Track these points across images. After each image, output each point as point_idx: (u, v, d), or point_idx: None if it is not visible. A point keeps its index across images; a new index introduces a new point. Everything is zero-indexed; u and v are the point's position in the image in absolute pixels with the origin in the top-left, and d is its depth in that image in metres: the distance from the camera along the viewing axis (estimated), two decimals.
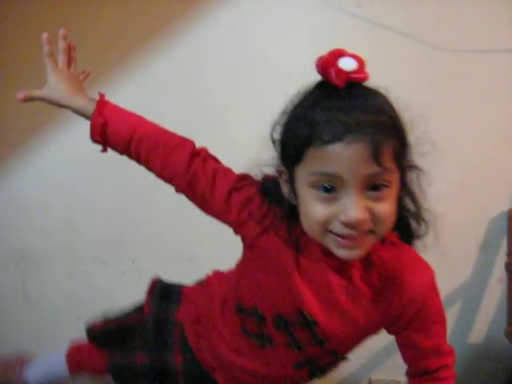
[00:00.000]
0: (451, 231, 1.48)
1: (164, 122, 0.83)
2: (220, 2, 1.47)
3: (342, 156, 0.60)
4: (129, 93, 1.44)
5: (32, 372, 1.11)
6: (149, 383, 0.91)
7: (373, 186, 0.62)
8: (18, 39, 1.52)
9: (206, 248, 1.52)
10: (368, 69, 0.65)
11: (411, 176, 0.70)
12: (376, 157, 0.60)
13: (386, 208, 0.63)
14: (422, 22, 1.44)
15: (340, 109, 0.61)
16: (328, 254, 0.69)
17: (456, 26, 1.44)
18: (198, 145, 0.82)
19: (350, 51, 0.65)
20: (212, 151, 0.83)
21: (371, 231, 0.65)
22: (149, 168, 0.82)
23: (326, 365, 0.83)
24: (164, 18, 1.49)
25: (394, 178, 0.64)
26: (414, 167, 0.70)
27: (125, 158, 0.85)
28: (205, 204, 0.80)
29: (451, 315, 1.55)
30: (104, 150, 0.84)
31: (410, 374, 0.81)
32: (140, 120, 0.83)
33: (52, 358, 1.10)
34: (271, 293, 0.76)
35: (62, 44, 0.85)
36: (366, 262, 0.71)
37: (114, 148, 0.83)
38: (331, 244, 0.66)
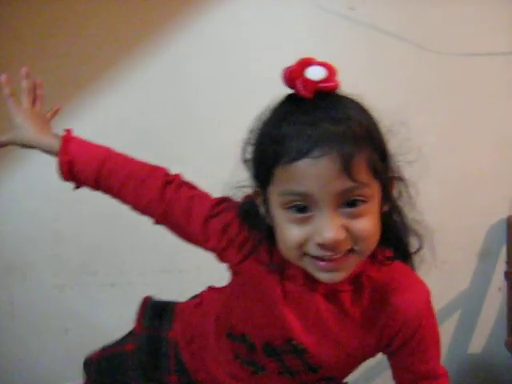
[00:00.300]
0: (450, 239, 1.46)
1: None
2: (210, 6, 1.43)
3: (311, 173, 0.55)
4: (116, 99, 1.39)
5: None
6: None
7: (348, 202, 0.57)
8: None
9: (197, 259, 1.46)
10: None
11: (398, 187, 0.66)
12: (347, 170, 0.55)
13: (365, 225, 0.58)
14: (416, 24, 1.42)
15: (307, 122, 0.57)
16: (313, 278, 0.64)
17: (452, 28, 1.42)
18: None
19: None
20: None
21: (352, 250, 0.60)
22: (123, 202, 0.79)
23: None
24: (151, 25, 1.44)
25: (372, 192, 0.59)
26: (398, 178, 0.65)
27: None
28: (184, 233, 0.77)
29: (450, 325, 1.53)
30: (76, 187, 0.81)
31: None
32: (107, 154, 0.79)
33: None
34: (258, 321, 0.72)
35: (24, 83, 0.82)
36: (356, 284, 0.67)
37: (85, 185, 0.80)
38: (311, 268, 0.61)
